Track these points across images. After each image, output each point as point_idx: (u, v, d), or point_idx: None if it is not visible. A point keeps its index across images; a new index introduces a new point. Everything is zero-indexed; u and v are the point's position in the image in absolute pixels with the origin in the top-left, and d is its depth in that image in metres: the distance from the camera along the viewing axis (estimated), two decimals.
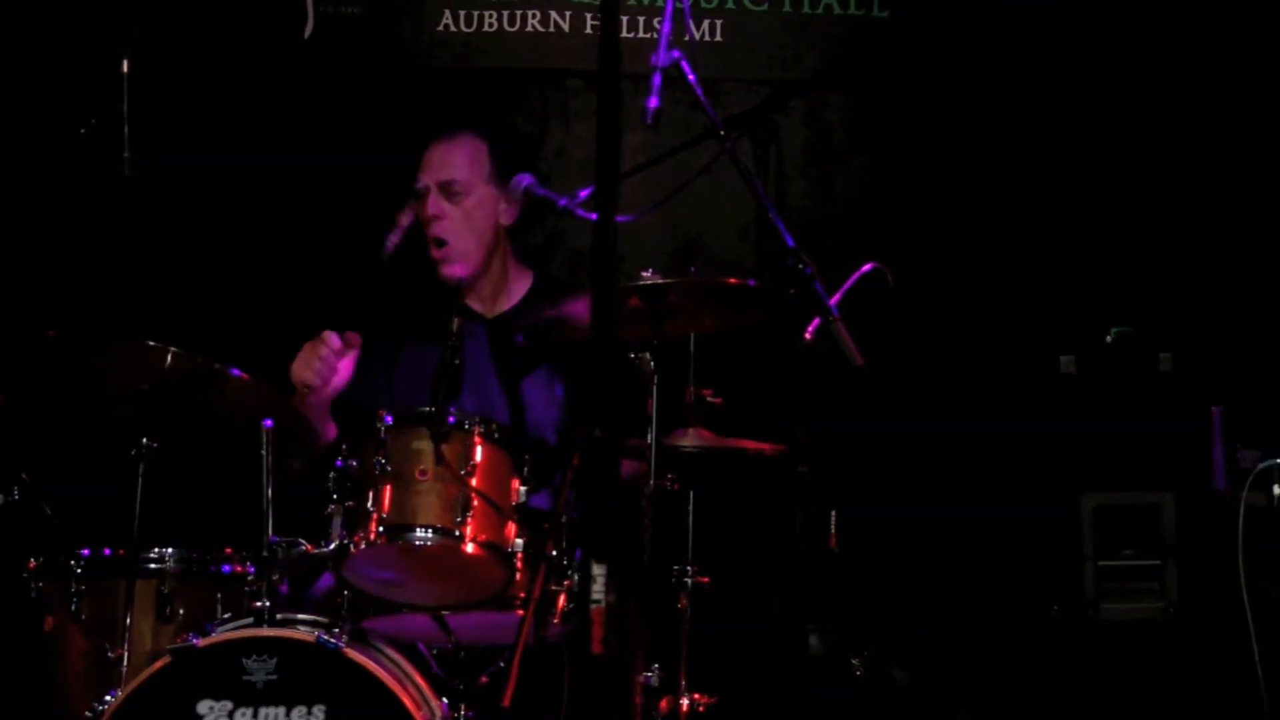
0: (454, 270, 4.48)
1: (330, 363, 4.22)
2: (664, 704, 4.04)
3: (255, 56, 5.31)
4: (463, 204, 4.48)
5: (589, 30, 5.07)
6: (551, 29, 5.21)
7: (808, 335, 4.09)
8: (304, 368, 4.24)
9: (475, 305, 4.56)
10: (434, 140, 4.60)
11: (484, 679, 3.89)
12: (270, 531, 3.85)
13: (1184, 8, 5.53)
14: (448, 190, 4.45)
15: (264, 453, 3.93)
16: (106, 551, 4.07)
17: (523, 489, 3.94)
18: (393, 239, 4.36)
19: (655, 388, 3.91)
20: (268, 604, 3.75)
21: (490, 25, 5.23)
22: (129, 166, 4.34)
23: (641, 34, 4.97)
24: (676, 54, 4.03)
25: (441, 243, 4.46)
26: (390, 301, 4.61)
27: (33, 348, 4.19)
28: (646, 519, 4.02)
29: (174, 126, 4.82)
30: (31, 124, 5.08)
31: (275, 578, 3.84)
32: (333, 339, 4.22)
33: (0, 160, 5.20)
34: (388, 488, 3.83)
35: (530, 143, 5.01)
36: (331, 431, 4.32)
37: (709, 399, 4.27)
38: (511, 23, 5.20)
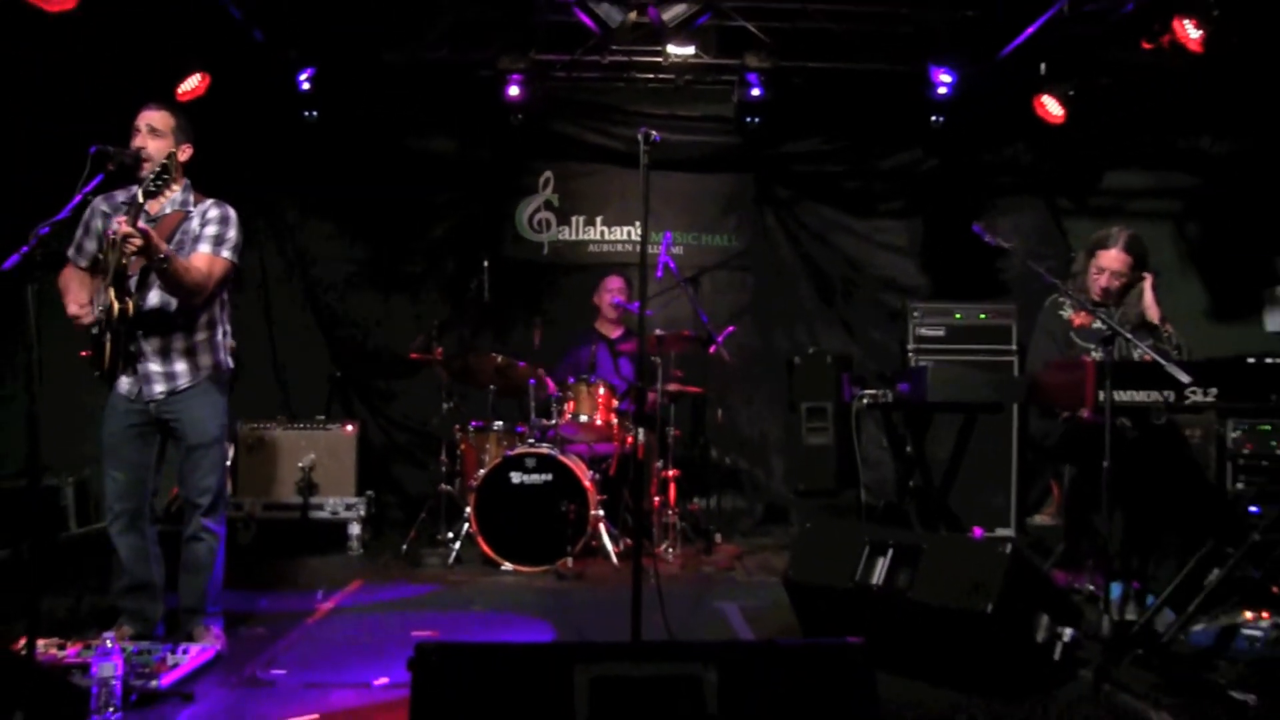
0: (612, 327, 4.61)
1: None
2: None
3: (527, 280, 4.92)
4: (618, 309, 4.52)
5: (636, 249, 4.77)
6: (628, 249, 5.06)
7: (710, 351, 4.30)
8: None
9: (607, 334, 4.60)
10: (602, 279, 4.58)
11: (604, 465, 4.13)
12: (533, 416, 4.08)
13: None
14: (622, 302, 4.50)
15: (529, 387, 4.11)
16: (480, 423, 4.19)
17: (616, 401, 4.11)
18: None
19: (660, 370, 4.05)
20: (531, 441, 3.98)
21: (606, 250, 5.13)
22: (488, 295, 4.27)
23: (653, 250, 4.52)
24: (668, 259, 4.38)
25: (616, 321, 4.58)
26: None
27: (459, 354, 4.24)
28: (657, 412, 4.14)
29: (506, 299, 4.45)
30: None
31: (533, 433, 4.02)
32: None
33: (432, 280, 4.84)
34: (572, 402, 4.09)
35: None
36: (551, 387, 4.21)
37: (679, 375, 4.33)
38: (613, 248, 5.11)
